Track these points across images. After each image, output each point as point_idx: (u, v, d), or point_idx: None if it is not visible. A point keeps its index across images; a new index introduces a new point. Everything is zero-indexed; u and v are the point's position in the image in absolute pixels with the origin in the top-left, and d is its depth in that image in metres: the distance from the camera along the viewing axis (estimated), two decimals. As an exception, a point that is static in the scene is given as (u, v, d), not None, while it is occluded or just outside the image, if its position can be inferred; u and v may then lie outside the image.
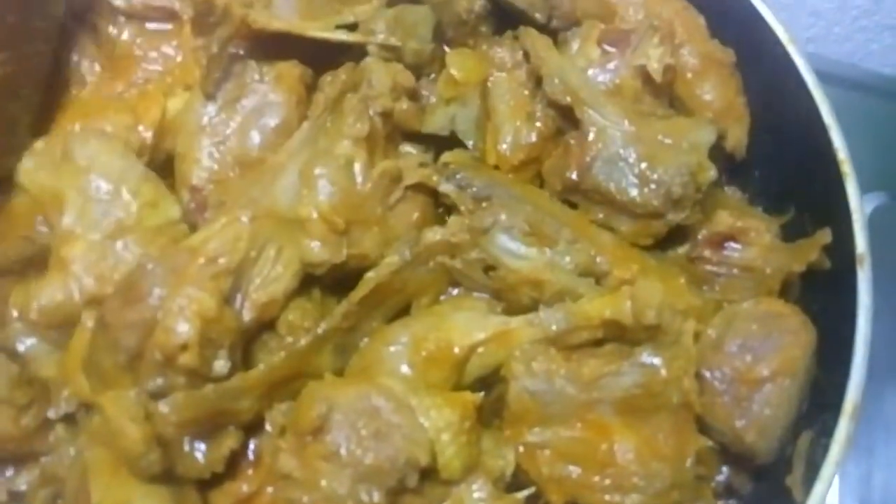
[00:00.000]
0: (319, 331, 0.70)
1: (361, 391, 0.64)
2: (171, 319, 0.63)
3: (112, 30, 0.87)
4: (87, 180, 0.75)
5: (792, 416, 0.70)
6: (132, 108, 0.81)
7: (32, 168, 0.77)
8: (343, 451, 0.61)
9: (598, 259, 0.75)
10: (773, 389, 0.68)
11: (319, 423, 0.62)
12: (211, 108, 0.79)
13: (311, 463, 0.61)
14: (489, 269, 0.75)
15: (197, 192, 0.78)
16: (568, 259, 0.74)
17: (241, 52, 0.81)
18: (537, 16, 0.87)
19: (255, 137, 0.79)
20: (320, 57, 0.82)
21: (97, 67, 0.86)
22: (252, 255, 0.69)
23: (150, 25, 0.87)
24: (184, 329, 0.62)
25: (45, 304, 0.72)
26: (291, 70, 0.80)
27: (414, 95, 0.81)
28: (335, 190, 0.74)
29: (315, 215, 0.73)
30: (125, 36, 0.87)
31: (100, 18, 0.87)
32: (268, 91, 0.79)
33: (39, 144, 0.78)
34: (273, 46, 0.81)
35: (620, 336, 0.72)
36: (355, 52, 0.81)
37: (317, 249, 0.72)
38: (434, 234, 0.74)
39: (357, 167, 0.75)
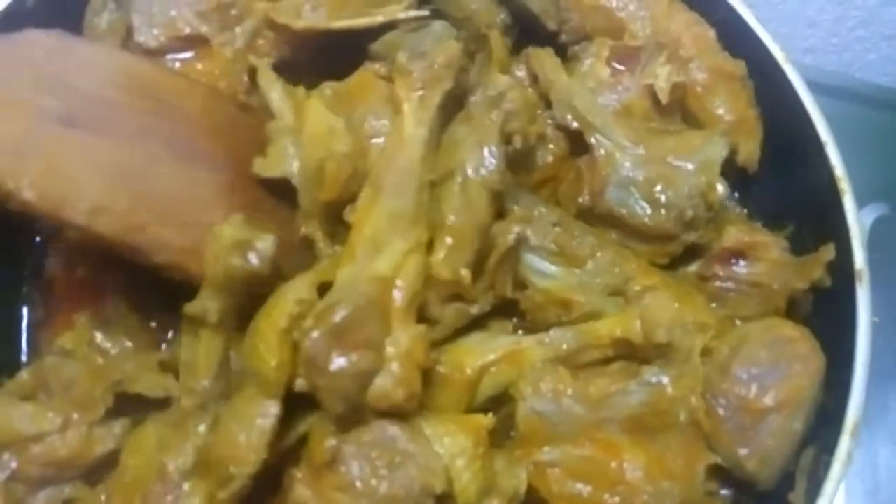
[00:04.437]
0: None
1: (375, 422, 0.63)
2: (394, 372, 0.62)
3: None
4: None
5: (795, 445, 0.69)
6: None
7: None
8: (358, 483, 0.60)
9: (622, 270, 0.74)
10: (777, 420, 0.68)
11: (331, 456, 0.61)
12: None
13: (326, 493, 0.61)
14: (519, 287, 0.74)
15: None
16: (598, 280, 0.74)
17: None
18: (549, 24, 0.87)
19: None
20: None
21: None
22: None
23: (170, 57, 0.82)
24: (414, 384, 0.62)
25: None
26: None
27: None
28: (471, 258, 0.70)
29: (448, 277, 0.68)
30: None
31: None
32: None
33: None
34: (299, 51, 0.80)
35: (631, 354, 0.72)
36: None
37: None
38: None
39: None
